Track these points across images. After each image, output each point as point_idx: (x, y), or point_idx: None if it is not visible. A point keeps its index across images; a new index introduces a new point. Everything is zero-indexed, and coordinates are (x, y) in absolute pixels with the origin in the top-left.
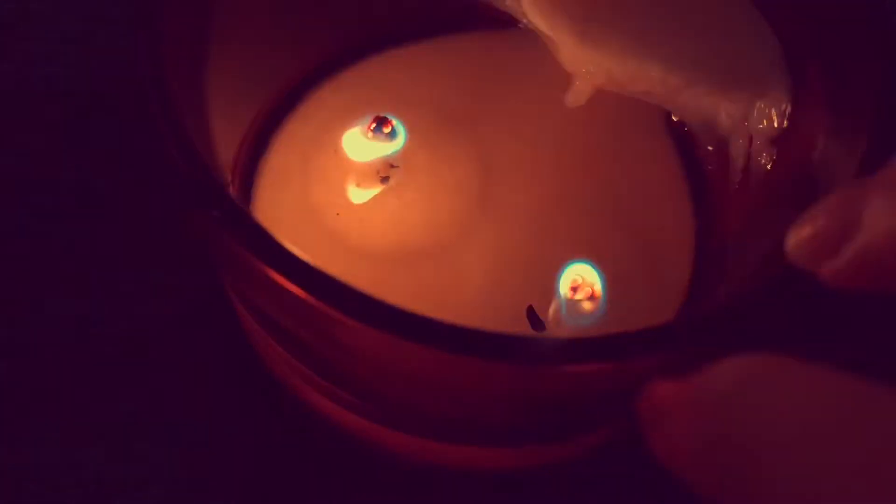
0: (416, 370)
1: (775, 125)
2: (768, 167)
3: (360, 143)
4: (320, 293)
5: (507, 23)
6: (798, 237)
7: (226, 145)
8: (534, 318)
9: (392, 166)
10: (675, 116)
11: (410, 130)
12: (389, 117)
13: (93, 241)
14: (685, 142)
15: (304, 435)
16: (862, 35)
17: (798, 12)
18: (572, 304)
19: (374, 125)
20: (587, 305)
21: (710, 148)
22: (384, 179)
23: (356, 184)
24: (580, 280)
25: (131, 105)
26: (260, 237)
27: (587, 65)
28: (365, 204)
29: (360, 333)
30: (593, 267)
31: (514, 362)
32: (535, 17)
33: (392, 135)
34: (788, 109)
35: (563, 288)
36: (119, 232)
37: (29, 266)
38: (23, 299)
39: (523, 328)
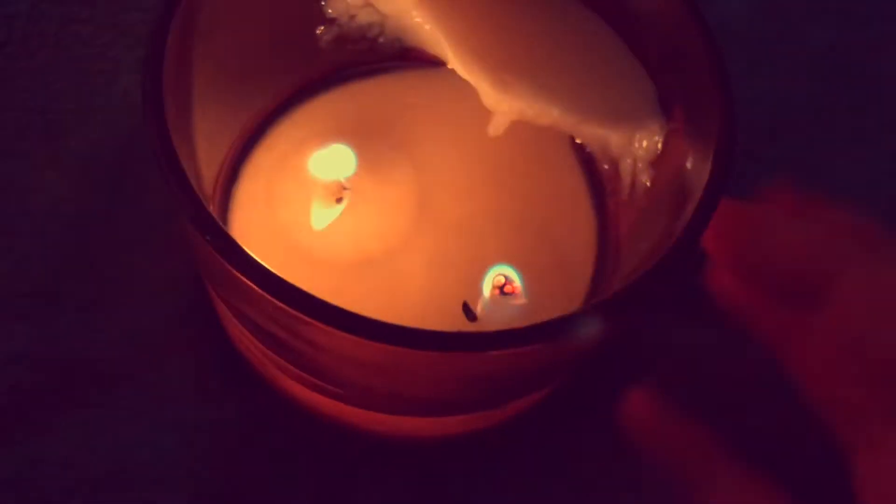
0: (373, 361)
1: (651, 151)
2: (648, 183)
3: (322, 166)
4: (294, 303)
5: (439, 63)
6: None
7: (207, 175)
8: (468, 311)
9: (344, 188)
10: (577, 140)
11: (359, 156)
12: (343, 146)
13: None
14: (588, 160)
15: (278, 415)
16: (710, 83)
17: (667, 64)
18: (497, 299)
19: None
20: (509, 299)
21: (605, 166)
22: (339, 200)
23: (315, 204)
24: (503, 279)
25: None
26: (245, 259)
27: (502, 105)
28: (323, 223)
29: (328, 334)
30: (513, 268)
31: (453, 352)
32: (458, 67)
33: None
34: (661, 139)
35: (488, 286)
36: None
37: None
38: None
39: (460, 319)
